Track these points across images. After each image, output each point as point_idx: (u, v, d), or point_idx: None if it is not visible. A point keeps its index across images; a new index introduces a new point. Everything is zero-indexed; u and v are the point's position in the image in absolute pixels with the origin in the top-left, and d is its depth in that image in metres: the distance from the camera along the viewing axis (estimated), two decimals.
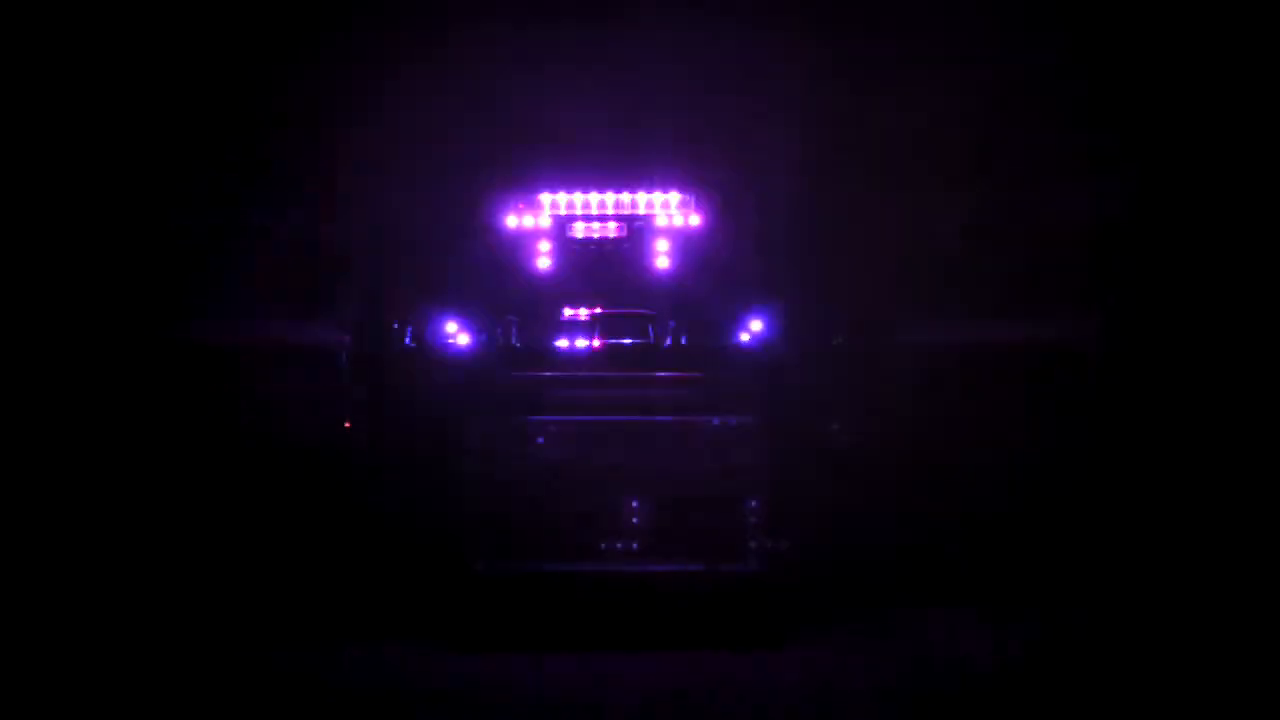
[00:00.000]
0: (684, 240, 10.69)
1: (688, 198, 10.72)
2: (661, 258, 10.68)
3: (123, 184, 10.53)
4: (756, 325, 10.23)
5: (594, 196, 10.72)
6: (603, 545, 9.09)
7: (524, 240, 10.72)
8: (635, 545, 9.09)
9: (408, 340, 10.54)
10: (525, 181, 10.81)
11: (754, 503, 9.05)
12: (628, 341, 9.93)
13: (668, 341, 9.87)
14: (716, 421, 9.21)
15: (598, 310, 10.37)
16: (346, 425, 10.45)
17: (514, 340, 10.00)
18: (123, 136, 10.62)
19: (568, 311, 10.54)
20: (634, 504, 9.13)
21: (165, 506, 9.66)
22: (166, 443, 9.84)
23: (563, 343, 9.88)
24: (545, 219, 10.70)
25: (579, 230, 10.74)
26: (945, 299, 11.73)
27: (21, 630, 8.95)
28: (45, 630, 9.04)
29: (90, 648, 8.86)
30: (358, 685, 8.26)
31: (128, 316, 10.31)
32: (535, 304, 10.51)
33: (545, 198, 10.70)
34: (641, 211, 10.71)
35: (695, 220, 10.69)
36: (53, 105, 10.39)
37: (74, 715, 7.67)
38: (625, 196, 10.72)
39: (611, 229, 10.75)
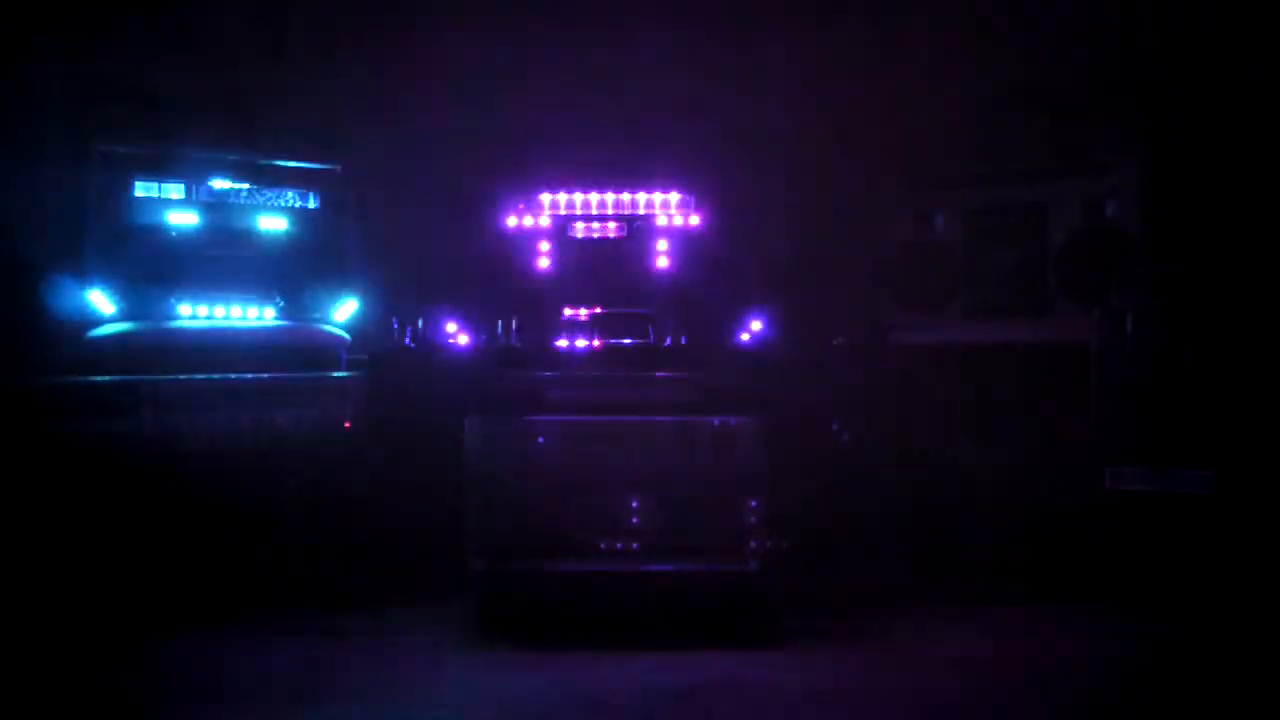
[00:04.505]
0: (684, 240, 10.69)
1: (688, 198, 10.72)
2: (661, 258, 10.67)
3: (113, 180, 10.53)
4: (756, 325, 10.23)
5: (594, 196, 10.72)
6: (602, 545, 9.08)
7: (524, 240, 10.71)
8: (635, 545, 9.09)
9: (408, 340, 10.53)
10: (525, 181, 10.81)
11: (754, 503, 9.03)
12: (628, 341, 9.92)
13: (668, 341, 9.86)
14: (717, 421, 9.20)
15: (598, 310, 10.37)
16: (346, 425, 10.44)
17: (514, 340, 9.99)
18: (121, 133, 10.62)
19: (568, 311, 10.53)
20: (634, 504, 9.12)
21: (161, 507, 9.65)
22: (163, 441, 9.84)
23: (563, 343, 9.87)
24: (545, 219, 10.70)
25: (579, 230, 10.74)
26: (945, 299, 11.73)
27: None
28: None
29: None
30: (357, 684, 8.26)
31: (127, 311, 10.31)
32: (535, 304, 10.50)
33: (545, 198, 10.70)
34: (641, 211, 10.70)
35: (695, 220, 10.68)
36: None
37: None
38: (625, 196, 10.71)
39: (611, 229, 10.74)
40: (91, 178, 10.40)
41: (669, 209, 10.68)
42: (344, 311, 11.13)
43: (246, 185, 10.99)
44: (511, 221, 10.71)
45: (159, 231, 10.60)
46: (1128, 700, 8.03)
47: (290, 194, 11.17)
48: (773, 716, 7.80)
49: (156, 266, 10.47)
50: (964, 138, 11.74)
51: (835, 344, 11.48)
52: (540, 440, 9.19)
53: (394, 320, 10.63)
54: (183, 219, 10.68)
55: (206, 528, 9.72)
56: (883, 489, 11.01)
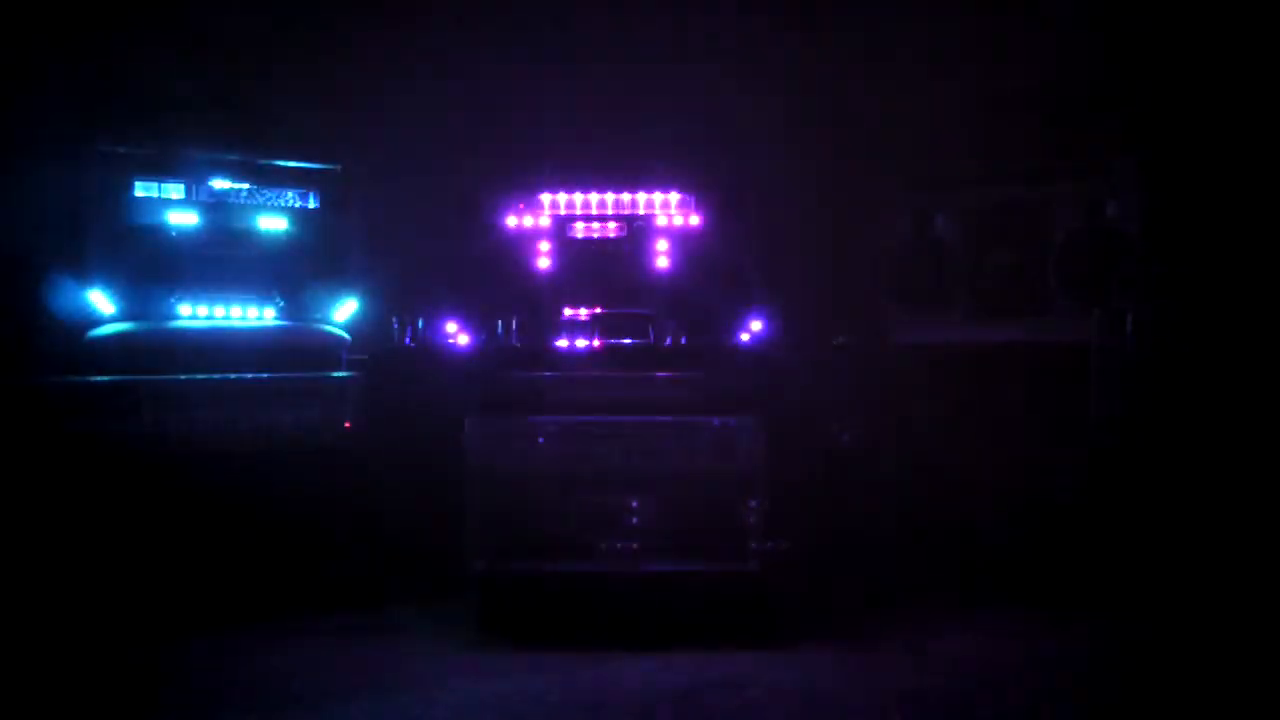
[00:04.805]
0: (684, 240, 10.68)
1: (688, 198, 10.71)
2: (661, 258, 10.66)
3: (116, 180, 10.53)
4: (756, 325, 10.22)
5: (594, 196, 10.71)
6: (603, 545, 9.09)
7: (524, 240, 10.71)
8: (635, 545, 9.09)
9: (408, 340, 10.53)
10: (525, 181, 10.80)
11: (754, 503, 9.04)
12: (628, 341, 9.92)
13: (668, 341, 9.86)
14: (717, 421, 9.20)
15: (598, 310, 10.37)
16: (346, 425, 10.45)
17: (514, 340, 9.99)
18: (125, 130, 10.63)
19: (568, 311, 10.53)
20: (634, 504, 9.12)
21: (161, 507, 9.65)
22: (163, 441, 9.84)
23: (563, 343, 9.87)
24: (545, 219, 10.69)
25: (579, 230, 10.73)
26: (945, 299, 11.72)
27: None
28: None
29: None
30: (357, 684, 8.26)
31: (126, 311, 10.31)
32: (535, 304, 10.49)
33: (545, 198, 10.69)
34: (641, 211, 10.69)
35: (695, 220, 10.68)
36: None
37: None
38: (625, 196, 10.70)
39: (611, 229, 10.73)
40: (91, 178, 10.40)
41: (669, 209, 10.68)
42: (344, 311, 11.13)
43: (246, 185, 10.98)
44: (511, 221, 10.71)
45: (159, 231, 10.60)
46: (1128, 701, 8.03)
47: (290, 194, 11.16)
48: (773, 716, 7.80)
49: (156, 266, 10.46)
50: (964, 138, 11.74)
51: (835, 344, 11.47)
52: (540, 440, 9.20)
53: (394, 320, 10.63)
54: (183, 219, 10.68)
55: (206, 528, 9.72)
56: (882, 489, 11.01)
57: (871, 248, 12.13)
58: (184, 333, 10.40)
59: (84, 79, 10.57)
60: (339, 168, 11.33)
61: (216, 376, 10.16)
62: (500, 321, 10.14)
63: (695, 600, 9.17)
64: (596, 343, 9.80)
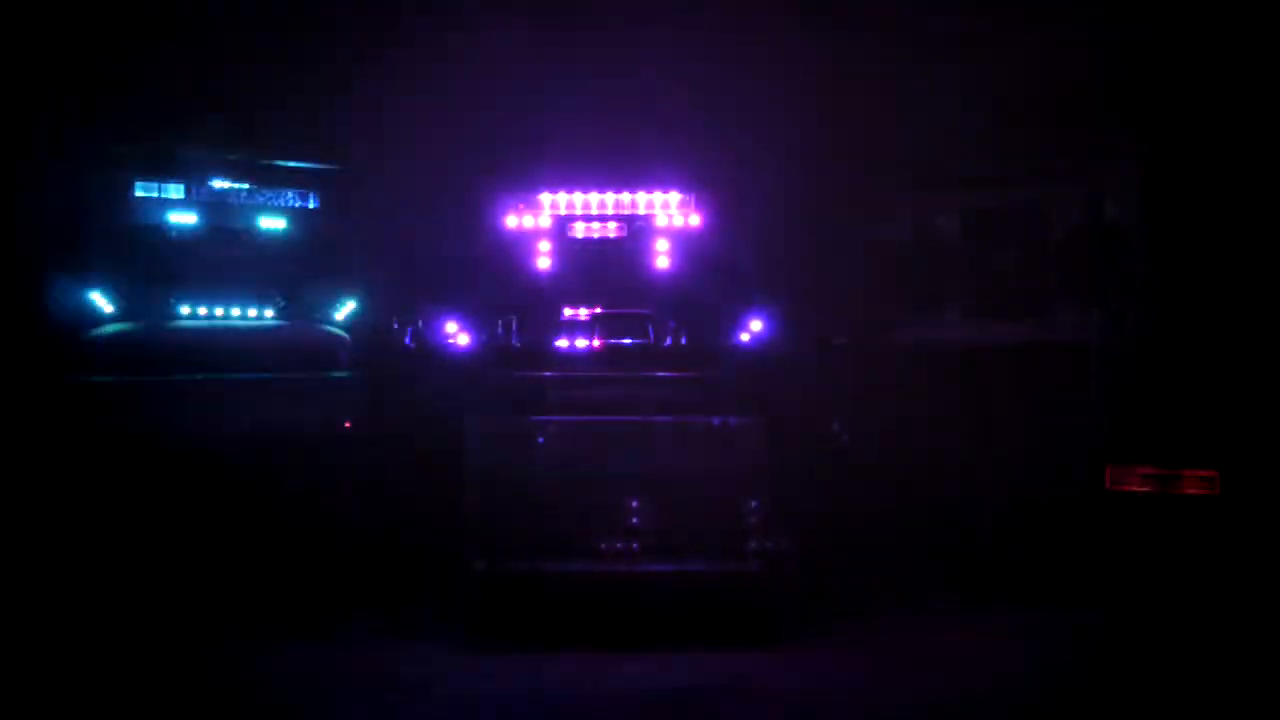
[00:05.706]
0: (684, 240, 10.69)
1: (688, 198, 10.72)
2: (661, 258, 10.67)
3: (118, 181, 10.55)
4: (756, 325, 10.23)
5: (594, 196, 10.72)
6: (603, 545, 9.08)
7: (524, 240, 10.72)
8: (635, 545, 9.09)
9: (408, 340, 10.53)
10: (525, 181, 10.81)
11: (754, 503, 9.04)
12: (628, 341, 9.92)
13: (668, 341, 9.86)
14: (717, 421, 9.20)
15: (598, 310, 10.37)
16: (346, 425, 10.45)
17: (514, 340, 9.99)
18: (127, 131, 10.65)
19: (568, 311, 10.53)
20: (634, 504, 9.12)
21: (162, 507, 9.65)
22: (164, 441, 9.84)
23: (563, 343, 9.88)
24: (545, 219, 10.70)
25: (579, 230, 10.74)
26: (945, 299, 11.72)
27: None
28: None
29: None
30: (357, 685, 8.26)
31: (126, 311, 10.33)
32: (535, 304, 10.50)
33: (545, 198, 10.70)
34: (641, 211, 10.71)
35: (695, 220, 10.69)
36: None
37: None
38: (625, 196, 10.71)
39: (611, 229, 10.75)
40: (91, 178, 10.41)
41: (669, 209, 10.69)
42: (344, 311, 11.13)
43: (246, 185, 10.99)
44: (511, 221, 10.72)
45: (159, 231, 10.61)
46: (1128, 700, 8.03)
47: (290, 194, 11.17)
48: (773, 716, 7.80)
49: (156, 266, 10.47)
50: (964, 138, 11.74)
51: (835, 344, 11.47)
52: (540, 440, 9.20)
53: (394, 320, 10.63)
54: (183, 219, 10.68)
55: (206, 528, 9.72)
56: (882, 489, 11.00)
57: (871, 248, 12.12)
58: (184, 333, 10.41)
59: (85, 78, 10.58)
60: (339, 168, 11.33)
61: (216, 376, 10.16)
62: (500, 321, 10.15)
63: (696, 600, 9.16)
64: (596, 343, 9.81)
